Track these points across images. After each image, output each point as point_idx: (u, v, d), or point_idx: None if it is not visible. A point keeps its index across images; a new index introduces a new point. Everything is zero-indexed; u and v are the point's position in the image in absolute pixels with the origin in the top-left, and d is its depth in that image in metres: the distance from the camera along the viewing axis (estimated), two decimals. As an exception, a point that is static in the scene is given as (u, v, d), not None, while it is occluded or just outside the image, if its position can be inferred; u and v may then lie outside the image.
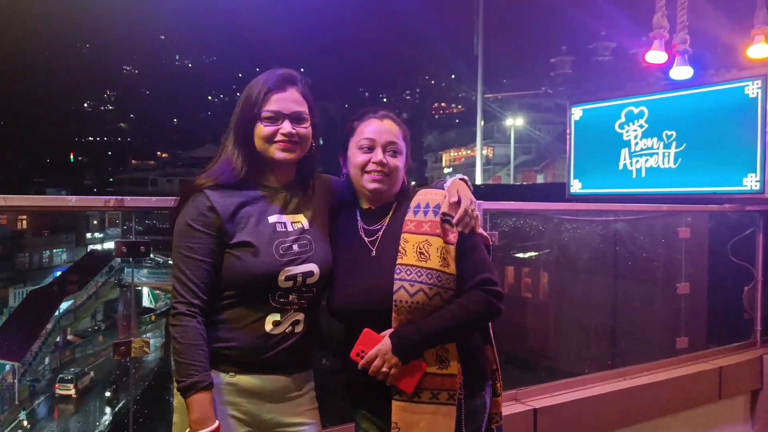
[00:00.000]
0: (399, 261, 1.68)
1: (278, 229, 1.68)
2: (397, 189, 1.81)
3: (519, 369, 3.00)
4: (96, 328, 31.65)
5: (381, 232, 1.77)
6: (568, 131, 5.12)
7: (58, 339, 27.03)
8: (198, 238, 1.62)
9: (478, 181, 23.75)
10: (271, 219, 1.69)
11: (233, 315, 1.67)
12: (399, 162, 1.78)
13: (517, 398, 3.01)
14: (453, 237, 1.70)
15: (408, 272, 1.66)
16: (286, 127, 1.68)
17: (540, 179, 47.22)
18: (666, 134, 4.44)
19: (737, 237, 4.20)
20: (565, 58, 70.63)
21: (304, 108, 1.72)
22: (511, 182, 42.34)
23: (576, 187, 5.04)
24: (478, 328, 1.80)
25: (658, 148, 4.49)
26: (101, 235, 38.76)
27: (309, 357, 1.80)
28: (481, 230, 1.78)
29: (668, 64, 3.24)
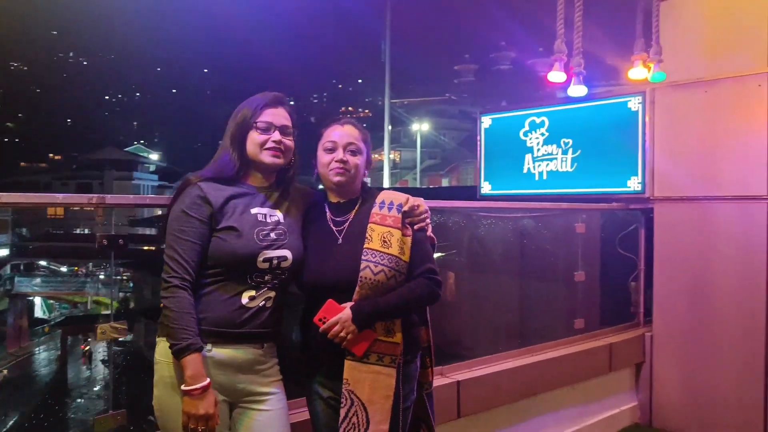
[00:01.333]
0: (366, 245, 2.01)
1: (259, 219, 1.98)
2: (358, 184, 2.16)
3: (445, 355, 3.41)
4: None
5: (347, 224, 2.11)
6: (478, 138, 5.60)
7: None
8: (191, 223, 1.88)
9: (386, 184, 24.25)
10: (254, 210, 1.98)
11: (217, 290, 1.93)
12: (358, 160, 2.12)
13: (443, 373, 3.39)
14: (409, 232, 2.07)
15: (373, 255, 2.00)
16: (276, 136, 2.00)
17: (445, 183, 48.59)
18: (564, 141, 4.98)
19: (623, 232, 4.81)
20: (468, 67, 72.88)
21: (290, 123, 2.06)
22: (418, 186, 43.34)
23: (486, 188, 5.54)
24: (421, 308, 2.18)
25: (557, 154, 5.03)
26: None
27: (277, 331, 2.07)
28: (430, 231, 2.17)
29: (566, 82, 3.76)
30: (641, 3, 3.76)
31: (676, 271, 4.38)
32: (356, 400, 1.98)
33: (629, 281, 4.82)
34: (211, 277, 1.93)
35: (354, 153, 2.11)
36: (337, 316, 1.96)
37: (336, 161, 2.08)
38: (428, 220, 2.15)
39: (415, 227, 2.10)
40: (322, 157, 2.12)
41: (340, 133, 2.12)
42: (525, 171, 5.22)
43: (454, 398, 3.29)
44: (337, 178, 2.09)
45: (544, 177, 5.09)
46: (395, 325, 2.03)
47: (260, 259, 1.94)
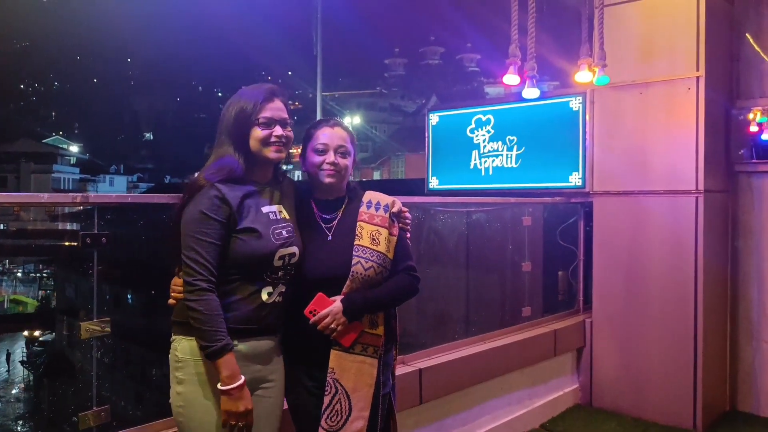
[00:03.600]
0: (357, 242, 2.13)
1: (271, 218, 2.03)
2: (346, 183, 2.26)
3: (404, 345, 3.56)
4: None
5: (336, 221, 2.22)
6: (426, 134, 5.78)
7: None
8: (211, 225, 1.89)
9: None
10: (265, 209, 2.02)
11: (235, 289, 1.96)
12: (348, 162, 2.23)
13: (405, 362, 3.54)
14: (395, 231, 2.21)
15: (363, 252, 2.12)
16: (278, 130, 2.03)
17: (377, 176, 48.90)
18: (509, 139, 5.21)
19: (564, 224, 5.10)
20: (397, 60, 73.41)
21: (287, 115, 2.08)
22: (350, 179, 43.24)
23: (434, 183, 5.73)
24: (402, 302, 2.30)
25: (502, 151, 5.26)
26: None
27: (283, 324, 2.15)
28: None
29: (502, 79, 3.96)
30: (586, 10, 4.00)
31: (613, 260, 4.69)
32: (341, 388, 2.09)
33: (559, 271, 5.11)
34: (230, 275, 1.96)
35: (344, 155, 2.21)
36: (328, 309, 2.07)
37: (328, 163, 2.17)
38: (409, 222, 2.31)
39: (401, 226, 2.25)
40: (313, 158, 2.20)
41: (331, 135, 2.21)
42: (472, 167, 5.42)
43: (416, 385, 3.44)
44: (328, 180, 2.19)
45: (490, 172, 5.31)
46: (379, 317, 2.17)
47: (276, 257, 2.00)
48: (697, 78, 4.26)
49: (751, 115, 4.59)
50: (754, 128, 4.60)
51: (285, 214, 2.09)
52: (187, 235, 1.90)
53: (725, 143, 4.64)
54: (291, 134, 2.08)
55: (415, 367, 3.50)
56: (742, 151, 4.63)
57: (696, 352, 4.28)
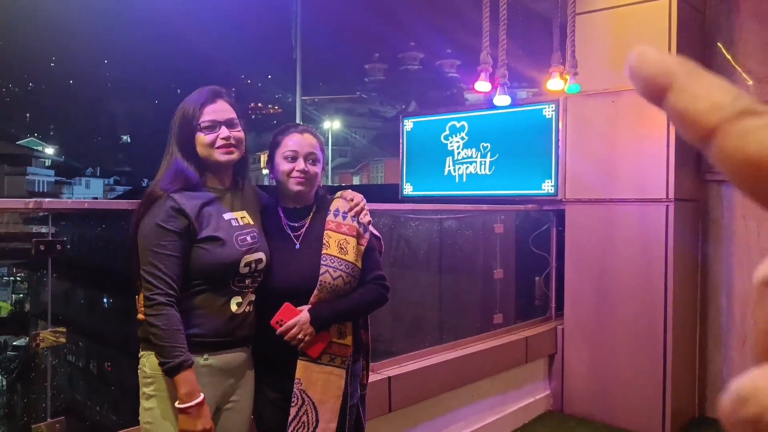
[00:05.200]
0: (325, 251, 2.09)
1: (233, 224, 1.98)
2: (315, 191, 2.22)
3: (374, 353, 3.53)
4: None
5: (304, 229, 2.17)
6: (401, 140, 5.77)
7: None
8: (168, 237, 1.83)
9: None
10: (226, 216, 1.97)
11: (202, 301, 1.91)
12: (318, 169, 2.18)
13: (374, 370, 3.51)
14: (364, 241, 2.17)
15: (332, 261, 2.08)
16: (224, 132, 1.96)
17: (356, 180, 48.92)
18: (482, 146, 5.21)
19: (537, 231, 5.12)
20: (377, 66, 73.61)
21: (234, 115, 2.01)
22: (329, 184, 43.39)
23: (408, 189, 5.71)
24: (371, 312, 2.28)
25: (476, 157, 5.26)
26: None
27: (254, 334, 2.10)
28: (375, 231, 2.26)
29: (475, 87, 3.97)
30: (557, 18, 4.02)
31: (584, 267, 4.71)
32: (308, 399, 2.05)
33: (535, 277, 5.12)
34: (194, 287, 1.91)
35: (314, 162, 2.17)
36: (295, 319, 2.02)
37: (298, 171, 2.12)
38: (365, 208, 2.22)
39: (352, 214, 2.17)
40: (282, 165, 2.14)
41: (300, 141, 2.16)
42: (446, 173, 5.42)
43: (385, 393, 3.41)
44: (298, 188, 2.13)
45: (464, 179, 5.30)
46: (347, 327, 2.13)
47: (242, 264, 1.95)
48: (668, 87, 4.28)
49: (720, 125, 4.63)
50: (723, 137, 4.64)
51: (248, 220, 2.04)
52: (145, 249, 1.85)
53: (696, 152, 4.67)
54: (240, 134, 2.01)
55: (385, 375, 3.47)
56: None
57: (665, 359, 4.30)
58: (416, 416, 3.68)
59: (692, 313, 4.66)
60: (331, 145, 43.80)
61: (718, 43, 4.68)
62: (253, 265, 1.99)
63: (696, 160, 4.68)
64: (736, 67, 4.59)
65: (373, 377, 3.38)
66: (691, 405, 4.68)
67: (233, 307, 1.96)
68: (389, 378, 3.45)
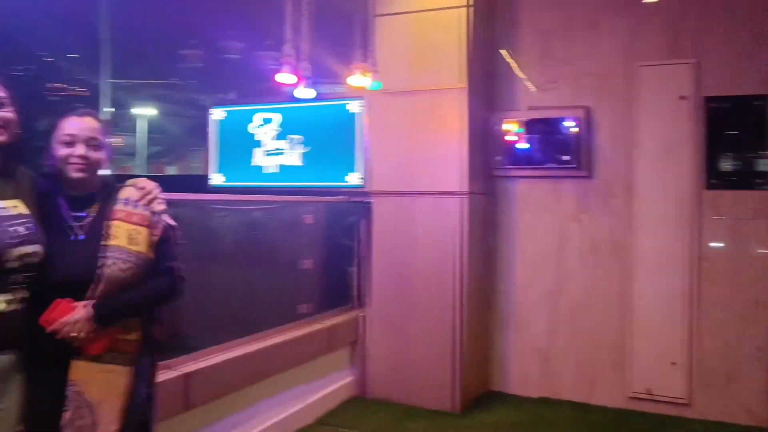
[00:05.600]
0: (113, 242, 1.97)
1: (2, 214, 1.79)
2: (98, 178, 2.08)
3: (172, 348, 3.39)
4: None
5: (90, 218, 2.03)
6: (209, 130, 5.60)
7: None
8: None
9: (108, 171, 22.38)
10: None
11: None
12: (100, 155, 2.05)
13: (170, 366, 3.35)
14: (158, 232, 2.07)
15: (120, 253, 1.97)
16: None
17: (171, 170, 46.54)
18: (294, 138, 5.21)
19: (346, 223, 5.25)
20: (195, 52, 70.53)
21: (2, 93, 1.84)
22: (144, 173, 40.80)
23: (217, 180, 5.55)
24: (164, 304, 2.19)
25: (287, 149, 5.28)
26: None
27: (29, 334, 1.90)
28: (171, 221, 2.16)
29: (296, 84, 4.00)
30: (360, 16, 4.16)
31: (387, 257, 4.93)
32: (83, 401, 1.93)
33: (345, 267, 5.26)
34: None
35: (96, 148, 2.05)
36: (69, 316, 1.89)
37: (76, 156, 2.00)
38: (159, 197, 2.13)
39: (144, 203, 2.09)
40: (60, 151, 2.01)
41: (79, 125, 2.03)
42: (256, 164, 5.36)
43: (181, 391, 3.27)
44: (77, 174, 2.01)
45: (277, 170, 5.29)
46: (134, 322, 2.03)
47: (11, 258, 1.77)
48: (461, 89, 4.64)
49: (507, 126, 5.08)
50: (510, 137, 5.11)
51: (22, 210, 1.86)
52: None
53: (486, 150, 5.09)
54: (9, 114, 1.85)
55: (181, 371, 3.34)
56: (499, 158, 5.13)
57: (455, 341, 4.66)
58: (216, 412, 3.59)
59: (483, 299, 5.08)
60: (147, 133, 41.16)
61: (501, 51, 5.12)
62: (25, 259, 1.82)
63: (486, 158, 5.09)
64: (517, 73, 5.08)
65: (168, 374, 3.25)
66: (481, 381, 5.10)
67: (1, 305, 1.78)
68: (186, 374, 3.32)
